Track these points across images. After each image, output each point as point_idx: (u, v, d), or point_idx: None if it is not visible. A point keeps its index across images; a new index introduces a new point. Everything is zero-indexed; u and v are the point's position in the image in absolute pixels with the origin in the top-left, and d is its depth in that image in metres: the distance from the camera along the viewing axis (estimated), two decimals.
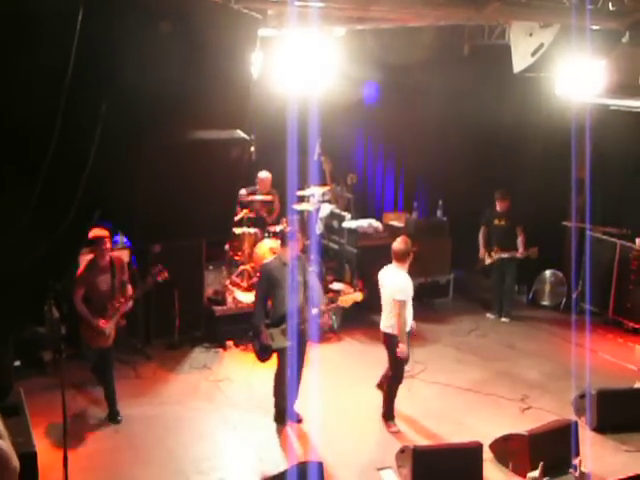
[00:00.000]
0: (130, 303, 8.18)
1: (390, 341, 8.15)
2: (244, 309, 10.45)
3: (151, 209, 3.68)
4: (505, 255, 11.51)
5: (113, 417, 8.13)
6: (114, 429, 7.95)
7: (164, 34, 3.45)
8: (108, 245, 7.99)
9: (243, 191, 11.07)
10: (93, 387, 8.53)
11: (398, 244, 8.29)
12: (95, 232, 7.64)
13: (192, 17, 3.59)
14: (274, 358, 8.11)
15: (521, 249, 11.45)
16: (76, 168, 3.39)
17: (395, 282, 8.17)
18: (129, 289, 8.23)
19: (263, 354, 8.08)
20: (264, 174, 11.37)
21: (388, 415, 8.34)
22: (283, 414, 8.25)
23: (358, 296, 8.66)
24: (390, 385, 8.35)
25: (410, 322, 8.28)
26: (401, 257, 8.22)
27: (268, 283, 8.03)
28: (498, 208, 11.64)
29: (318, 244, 11.44)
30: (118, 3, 3.38)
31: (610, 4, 4.99)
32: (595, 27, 5.26)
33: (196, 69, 3.53)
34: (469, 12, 5.08)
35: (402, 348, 8.01)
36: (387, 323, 8.24)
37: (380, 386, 8.58)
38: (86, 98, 3.36)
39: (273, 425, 8.20)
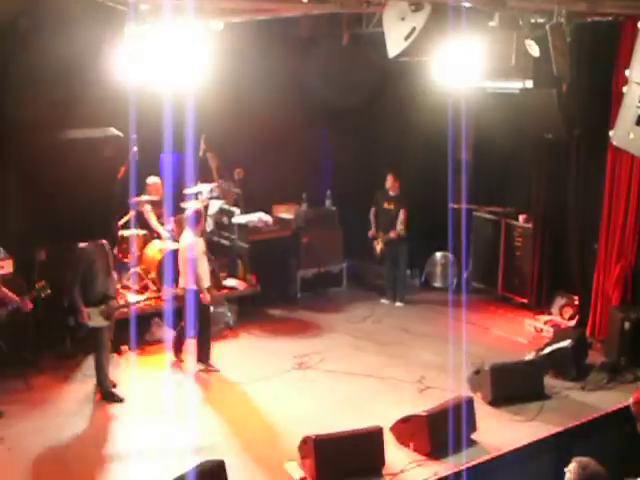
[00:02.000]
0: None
1: (189, 295, 9.18)
2: (137, 312, 10.24)
3: (24, 215, 3.54)
4: (388, 237, 11.67)
5: None
6: (6, 446, 7.61)
7: (23, 30, 3.31)
8: None
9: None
10: None
11: (187, 211, 9.82)
12: None
13: (53, 11, 3.45)
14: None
15: (396, 230, 11.64)
16: None
17: (183, 243, 9.47)
18: (7, 293, 7.94)
19: (78, 331, 8.58)
20: (152, 179, 11.00)
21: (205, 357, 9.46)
22: (109, 395, 8.60)
23: None
24: (202, 334, 9.37)
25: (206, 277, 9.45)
26: (189, 223, 9.45)
27: (88, 265, 8.47)
28: (390, 192, 11.77)
29: (208, 241, 11.31)
30: None
31: None
32: (465, 4, 5.37)
33: (60, 65, 3.40)
34: None
35: (204, 295, 9.25)
36: (184, 280, 9.34)
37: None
38: None
39: (172, 427, 8.04)
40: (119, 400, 8.57)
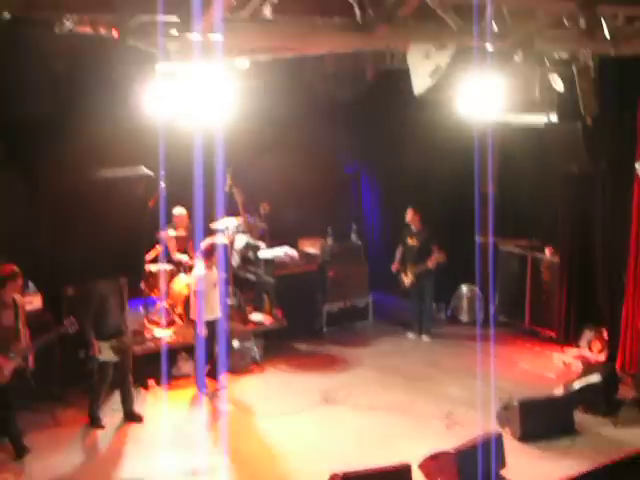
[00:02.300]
0: (33, 349, 8.02)
1: (197, 326, 9.55)
2: (164, 347, 10.28)
3: (55, 251, 3.60)
4: (419, 270, 11.63)
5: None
6: None
7: (59, 73, 3.39)
8: (19, 282, 7.86)
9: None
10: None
11: (201, 244, 9.79)
12: (5, 268, 7.54)
13: (87, 55, 3.54)
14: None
15: (433, 257, 11.56)
16: None
17: (193, 275, 9.85)
18: (26, 333, 8.03)
19: (88, 363, 8.84)
20: (178, 210, 11.18)
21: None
22: (97, 421, 8.84)
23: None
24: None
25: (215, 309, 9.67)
26: (201, 255, 9.66)
27: (100, 300, 8.58)
28: (412, 227, 11.79)
29: (235, 276, 11.38)
30: (10, 44, 3.31)
31: (494, 25, 5.15)
32: (487, 48, 5.43)
33: (94, 107, 3.48)
34: (359, 38, 5.17)
35: (200, 329, 9.53)
36: (192, 311, 9.79)
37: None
38: None
39: (199, 461, 8.02)
40: (102, 427, 8.82)
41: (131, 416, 9.00)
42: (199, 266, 9.71)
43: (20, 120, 3.36)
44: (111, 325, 8.70)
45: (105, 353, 8.63)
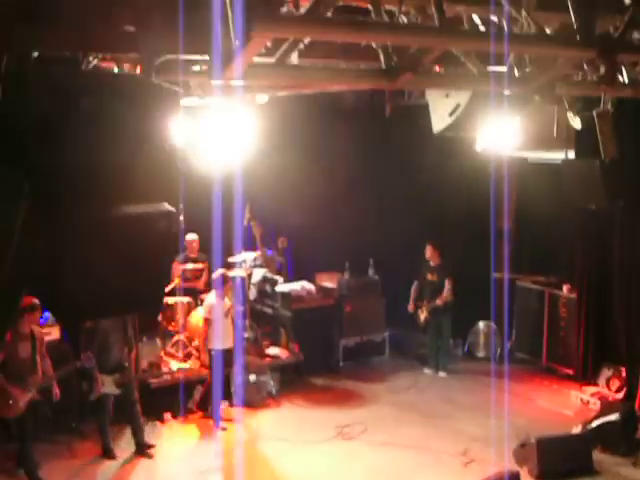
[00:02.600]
0: (51, 381, 8.14)
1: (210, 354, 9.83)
2: (180, 380, 10.30)
3: (77, 285, 3.63)
4: (433, 305, 11.63)
5: None
6: None
7: (85, 111, 3.45)
8: (37, 315, 7.97)
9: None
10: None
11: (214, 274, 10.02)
12: (26, 300, 7.57)
13: (112, 93, 3.61)
14: None
15: (443, 295, 11.57)
16: (2, 243, 3.35)
17: (205, 303, 10.11)
18: (48, 363, 8.20)
19: (89, 395, 8.84)
20: (191, 236, 11.28)
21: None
22: (110, 452, 8.89)
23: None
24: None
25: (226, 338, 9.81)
26: (215, 284, 9.89)
27: (103, 335, 8.72)
28: (430, 262, 11.80)
29: (252, 309, 11.41)
30: (37, 82, 3.38)
31: (516, 71, 5.21)
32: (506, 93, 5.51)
33: (119, 144, 3.54)
34: (382, 83, 5.25)
35: (204, 357, 10.04)
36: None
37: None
38: (8, 177, 3.33)
39: None
40: (114, 457, 8.87)
41: (142, 448, 9.02)
42: (211, 295, 9.90)
43: (45, 156, 3.41)
44: (113, 359, 8.82)
45: (108, 386, 8.75)
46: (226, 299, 9.93)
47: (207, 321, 9.83)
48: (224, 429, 9.66)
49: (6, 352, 7.76)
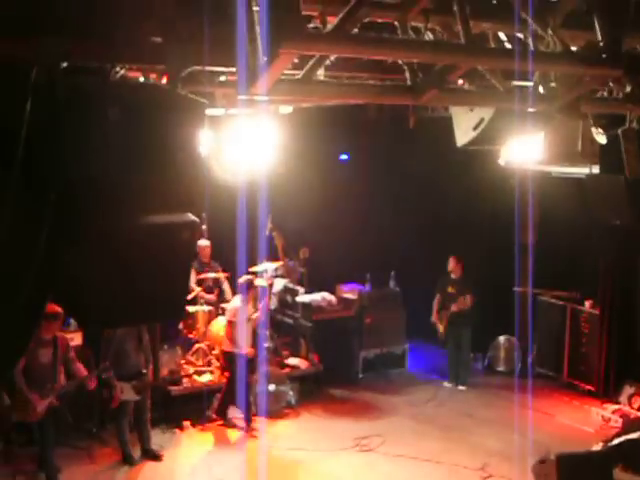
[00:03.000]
0: (70, 388, 8.25)
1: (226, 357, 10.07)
2: (200, 388, 10.35)
3: (101, 294, 3.67)
4: (450, 312, 11.58)
5: None
6: None
7: (112, 121, 3.50)
8: (59, 324, 8.04)
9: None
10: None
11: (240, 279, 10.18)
12: (50, 307, 7.64)
13: (140, 103, 3.65)
14: None
15: (457, 303, 11.54)
16: (27, 251, 3.39)
17: (229, 306, 10.27)
18: (79, 369, 8.30)
19: (109, 402, 8.87)
20: (203, 242, 11.27)
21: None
22: (130, 458, 8.98)
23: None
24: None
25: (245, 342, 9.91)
26: (239, 289, 10.08)
27: (119, 343, 8.82)
28: (452, 275, 11.78)
29: (272, 319, 11.43)
30: (65, 92, 3.43)
31: (541, 88, 5.21)
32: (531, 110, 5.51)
33: (145, 154, 3.58)
34: (407, 99, 5.28)
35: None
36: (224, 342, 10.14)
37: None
38: (35, 186, 3.37)
39: None
40: (135, 462, 8.98)
41: (148, 453, 9.13)
42: (236, 299, 10.11)
43: (73, 166, 3.46)
44: (131, 366, 8.94)
45: (126, 393, 8.84)
46: (249, 305, 10.02)
47: (231, 324, 9.96)
48: (252, 433, 9.77)
49: (27, 358, 7.83)
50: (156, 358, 9.60)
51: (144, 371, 9.05)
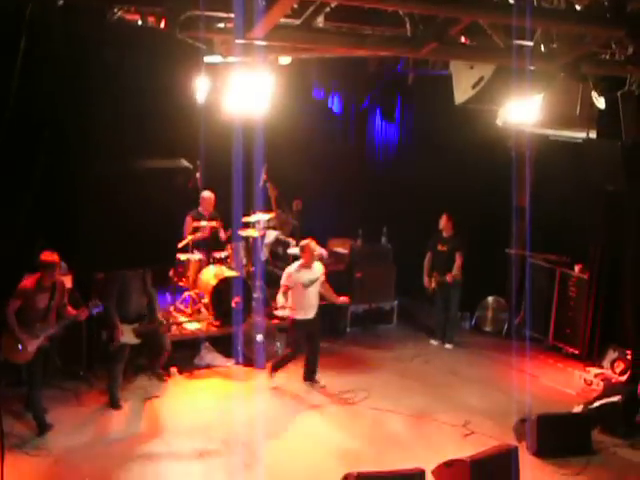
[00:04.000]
0: (58, 329, 8.32)
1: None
2: (189, 335, 10.41)
3: (93, 237, 3.66)
4: (442, 279, 11.59)
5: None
6: (54, 459, 7.77)
7: (108, 62, 3.46)
8: (57, 272, 8.07)
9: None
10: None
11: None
12: (46, 256, 7.70)
13: (136, 45, 3.61)
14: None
15: (452, 273, 11.55)
16: (20, 189, 3.37)
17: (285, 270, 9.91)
18: (69, 310, 8.36)
19: (109, 345, 8.97)
20: (207, 194, 11.21)
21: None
22: (116, 403, 9.00)
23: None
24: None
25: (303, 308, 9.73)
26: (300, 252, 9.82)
27: (122, 285, 8.91)
28: (443, 233, 11.75)
29: (263, 270, 11.44)
30: (61, 31, 3.38)
31: (542, 46, 5.16)
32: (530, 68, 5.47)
33: (141, 97, 3.55)
34: (407, 51, 5.24)
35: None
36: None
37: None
38: (29, 122, 3.34)
39: (219, 453, 8.12)
40: (120, 407, 9.01)
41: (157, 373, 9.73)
42: (296, 262, 9.90)
43: (65, 104, 3.42)
44: (133, 308, 9.00)
45: (127, 336, 8.88)
46: (308, 269, 9.73)
47: (285, 288, 9.71)
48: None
49: (25, 301, 7.91)
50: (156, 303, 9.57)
51: (145, 315, 9.12)
